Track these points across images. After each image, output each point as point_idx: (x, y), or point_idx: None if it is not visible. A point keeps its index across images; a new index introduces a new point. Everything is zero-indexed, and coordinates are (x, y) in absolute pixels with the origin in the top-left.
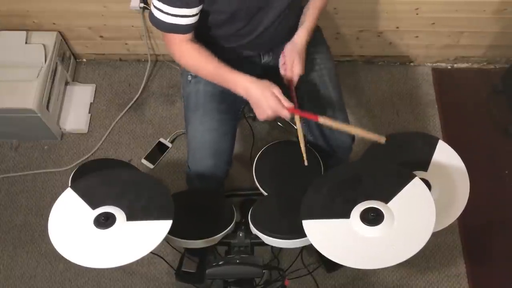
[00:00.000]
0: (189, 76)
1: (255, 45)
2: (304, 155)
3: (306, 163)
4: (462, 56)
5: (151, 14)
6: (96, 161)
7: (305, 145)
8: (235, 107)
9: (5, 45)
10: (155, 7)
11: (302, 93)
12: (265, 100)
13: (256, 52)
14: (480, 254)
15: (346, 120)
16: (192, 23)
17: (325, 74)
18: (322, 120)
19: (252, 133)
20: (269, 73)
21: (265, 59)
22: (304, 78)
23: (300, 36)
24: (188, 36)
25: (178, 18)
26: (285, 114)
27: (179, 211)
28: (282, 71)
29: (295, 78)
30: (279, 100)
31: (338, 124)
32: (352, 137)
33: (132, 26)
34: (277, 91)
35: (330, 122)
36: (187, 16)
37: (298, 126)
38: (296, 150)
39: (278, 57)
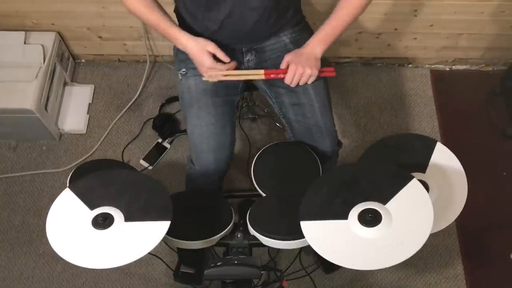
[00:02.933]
0: (179, 75)
1: (235, 34)
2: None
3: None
4: (461, 58)
5: None
6: (94, 162)
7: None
8: (229, 100)
9: (4, 45)
10: None
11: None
12: (201, 57)
13: (239, 46)
14: (478, 256)
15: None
16: None
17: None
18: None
19: (250, 134)
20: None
21: (247, 57)
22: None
23: (307, 47)
24: None
25: None
26: (220, 68)
27: (177, 212)
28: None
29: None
30: (213, 57)
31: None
32: (335, 142)
33: (131, 27)
34: (211, 47)
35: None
36: None
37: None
38: (294, 151)
39: (260, 58)
